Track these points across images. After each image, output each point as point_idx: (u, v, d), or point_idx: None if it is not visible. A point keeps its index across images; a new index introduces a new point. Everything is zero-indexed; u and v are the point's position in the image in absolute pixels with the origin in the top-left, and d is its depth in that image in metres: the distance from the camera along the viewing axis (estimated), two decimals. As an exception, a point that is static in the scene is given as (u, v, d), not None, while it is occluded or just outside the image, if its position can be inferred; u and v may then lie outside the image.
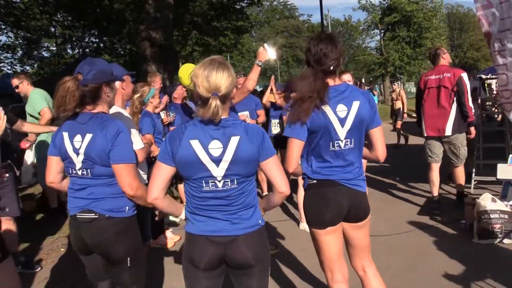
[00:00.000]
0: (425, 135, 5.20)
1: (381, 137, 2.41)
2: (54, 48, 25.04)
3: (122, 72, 2.79)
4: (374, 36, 36.50)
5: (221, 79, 1.85)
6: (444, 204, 5.46)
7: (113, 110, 2.91)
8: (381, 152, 2.42)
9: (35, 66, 25.69)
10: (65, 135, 2.28)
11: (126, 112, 3.03)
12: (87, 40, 22.12)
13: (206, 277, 1.99)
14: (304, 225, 4.89)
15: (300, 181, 4.90)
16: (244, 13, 17.66)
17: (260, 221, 2.03)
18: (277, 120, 6.38)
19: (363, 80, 24.24)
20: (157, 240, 4.64)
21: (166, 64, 10.43)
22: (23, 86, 5.31)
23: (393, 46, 27.58)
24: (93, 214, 2.26)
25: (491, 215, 4.12)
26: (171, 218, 5.51)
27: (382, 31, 29.40)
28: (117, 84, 2.70)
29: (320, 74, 2.26)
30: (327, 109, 2.25)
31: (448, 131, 4.97)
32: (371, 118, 2.34)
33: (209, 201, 1.95)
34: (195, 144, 1.89)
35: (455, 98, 4.91)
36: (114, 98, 2.45)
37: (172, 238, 4.76)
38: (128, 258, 2.33)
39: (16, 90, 5.35)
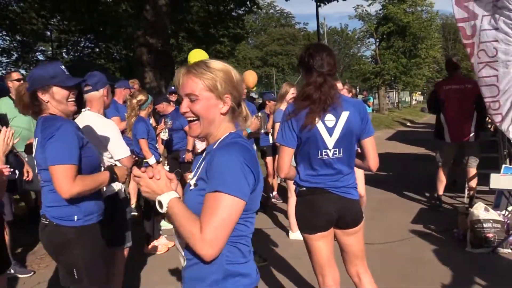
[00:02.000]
0: (449, 141, 5.58)
1: (373, 147, 2.46)
2: (50, 52, 24.99)
3: (102, 82, 2.88)
4: (370, 45, 36.81)
5: None
6: (439, 213, 5.50)
7: (89, 115, 2.90)
8: (373, 162, 2.47)
9: (31, 69, 25.62)
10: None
11: (102, 117, 2.95)
12: (82, 44, 22.11)
13: None
14: (294, 235, 4.81)
15: (290, 191, 4.90)
16: (242, 20, 17.73)
17: None
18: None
19: (357, 89, 24.44)
20: (151, 246, 4.63)
21: (162, 70, 10.46)
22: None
23: (389, 56, 27.79)
24: (45, 220, 2.24)
25: (484, 224, 4.15)
26: (164, 224, 5.50)
27: (377, 40, 29.60)
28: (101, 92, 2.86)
29: (328, 78, 2.34)
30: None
31: (472, 137, 5.45)
32: (362, 128, 2.39)
33: None
34: None
35: (474, 107, 5.38)
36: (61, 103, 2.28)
37: (166, 244, 4.75)
38: (74, 270, 2.22)
39: (20, 82, 5.09)
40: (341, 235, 2.47)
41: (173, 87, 7.27)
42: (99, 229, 2.33)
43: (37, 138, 2.22)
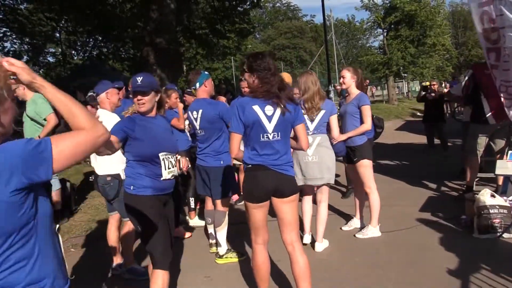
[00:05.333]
0: (493, 122, 5.22)
1: (303, 132, 3.05)
2: (60, 53, 25.24)
3: (102, 88, 3.87)
4: (377, 36, 36.43)
5: None
6: (447, 202, 5.53)
7: (101, 112, 3.81)
8: (304, 143, 3.06)
9: (41, 71, 25.93)
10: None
11: (109, 112, 3.88)
12: (91, 45, 22.31)
13: None
14: (307, 237, 4.48)
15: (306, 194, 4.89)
16: (248, 14, 17.73)
17: None
18: None
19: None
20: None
21: (170, 68, 10.57)
22: (19, 90, 4.95)
23: (396, 46, 27.50)
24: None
25: (490, 210, 4.19)
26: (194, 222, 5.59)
27: (385, 30, 29.30)
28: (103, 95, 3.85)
29: (267, 78, 2.89)
30: (256, 108, 2.88)
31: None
32: (294, 117, 2.95)
33: None
34: None
35: None
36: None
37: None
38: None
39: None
40: (277, 203, 2.97)
41: (170, 85, 7.22)
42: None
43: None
